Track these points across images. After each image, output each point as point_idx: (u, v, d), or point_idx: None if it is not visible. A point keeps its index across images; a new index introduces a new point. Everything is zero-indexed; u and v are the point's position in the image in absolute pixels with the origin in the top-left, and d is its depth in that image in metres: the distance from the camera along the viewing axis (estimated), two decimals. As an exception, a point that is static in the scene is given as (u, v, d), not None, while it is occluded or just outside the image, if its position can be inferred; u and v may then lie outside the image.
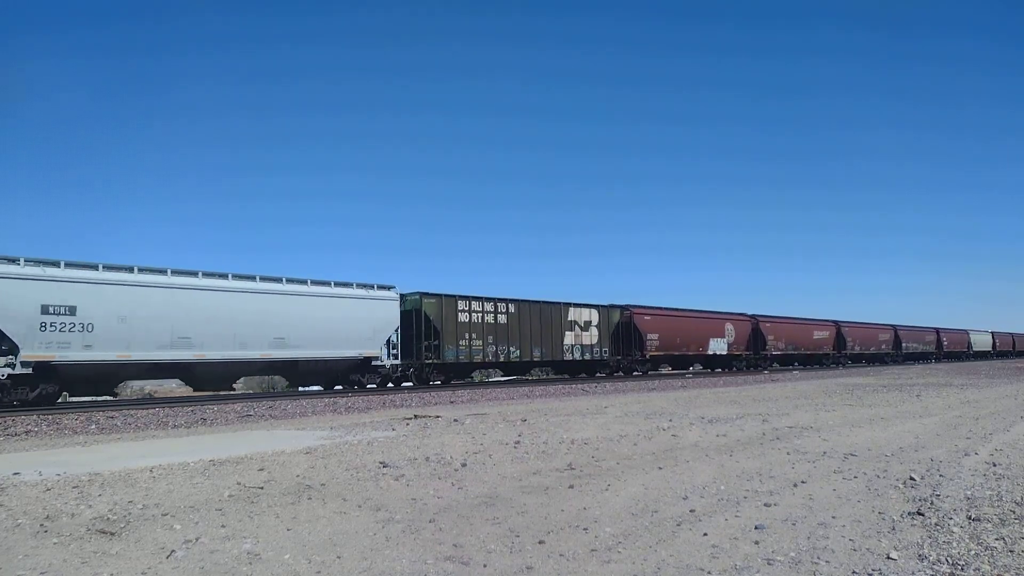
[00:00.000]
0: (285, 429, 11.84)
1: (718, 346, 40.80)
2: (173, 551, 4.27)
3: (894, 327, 58.75)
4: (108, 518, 5.11)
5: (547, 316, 30.63)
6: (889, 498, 5.62)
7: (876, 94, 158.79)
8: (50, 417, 14.50)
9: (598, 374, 33.70)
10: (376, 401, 18.82)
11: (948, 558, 4.01)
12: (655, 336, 35.30)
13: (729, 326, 40.80)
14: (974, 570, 3.81)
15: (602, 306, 33.73)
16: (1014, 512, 5.05)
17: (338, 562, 4.07)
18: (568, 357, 31.42)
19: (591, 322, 32.81)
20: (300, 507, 5.45)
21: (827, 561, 3.99)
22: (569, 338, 31.53)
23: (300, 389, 25.55)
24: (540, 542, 4.44)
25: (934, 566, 3.88)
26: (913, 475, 6.49)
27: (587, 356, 32.38)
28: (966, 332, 72.41)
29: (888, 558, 4.03)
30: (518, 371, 33.22)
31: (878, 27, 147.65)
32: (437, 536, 4.61)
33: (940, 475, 6.54)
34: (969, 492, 5.77)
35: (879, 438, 9.32)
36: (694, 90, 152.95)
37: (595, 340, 32.86)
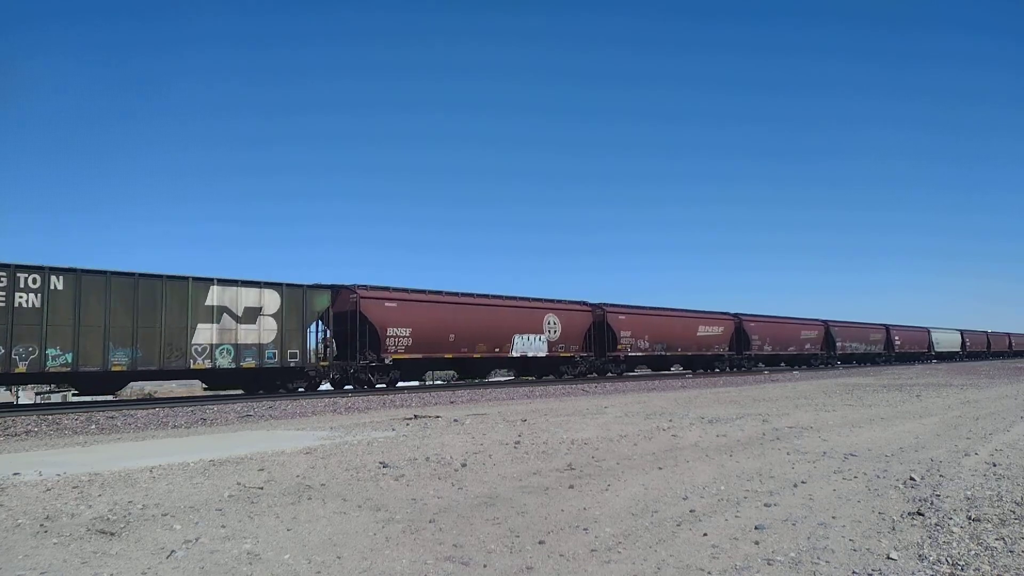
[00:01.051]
0: (285, 429, 11.83)
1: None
2: (173, 551, 4.27)
3: (825, 323, 51.10)
4: (108, 518, 5.10)
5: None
6: (889, 498, 5.62)
7: (874, 93, 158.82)
8: (50, 417, 14.49)
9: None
10: (376, 401, 18.81)
11: (948, 558, 4.01)
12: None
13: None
14: (974, 570, 3.81)
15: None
16: (1014, 512, 5.05)
17: (338, 562, 4.07)
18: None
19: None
20: (300, 507, 5.45)
21: (827, 561, 3.99)
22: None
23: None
24: (540, 542, 4.44)
25: (934, 566, 3.88)
26: (913, 475, 6.49)
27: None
28: (926, 330, 64.83)
29: (888, 558, 4.03)
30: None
31: (877, 25, 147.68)
32: (437, 536, 4.61)
33: (940, 475, 6.54)
34: (969, 492, 5.77)
35: (879, 438, 9.31)
36: (687, 88, 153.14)
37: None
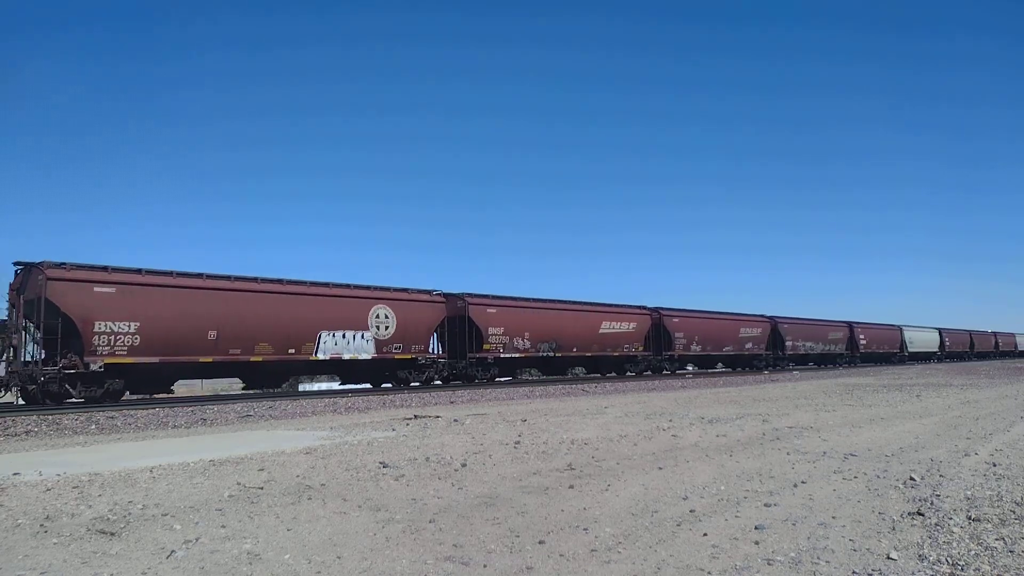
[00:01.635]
0: (285, 429, 11.84)
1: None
2: (173, 551, 4.27)
3: (772, 319, 46.88)
4: (108, 518, 5.10)
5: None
6: (889, 498, 5.62)
7: (880, 95, 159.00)
8: (50, 417, 14.49)
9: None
10: (376, 401, 18.82)
11: (948, 558, 4.01)
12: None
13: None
14: (974, 570, 3.81)
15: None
16: (1014, 512, 5.05)
17: (338, 562, 4.07)
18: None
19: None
20: (300, 507, 5.45)
21: (827, 561, 3.99)
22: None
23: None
24: (540, 542, 4.44)
25: (934, 566, 3.88)
26: (913, 475, 6.49)
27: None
28: (898, 328, 61.61)
29: (888, 558, 4.03)
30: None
31: (900, 28, 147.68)
32: (437, 536, 4.61)
33: (940, 475, 6.53)
34: (969, 492, 5.77)
35: (879, 438, 9.31)
36: (686, 89, 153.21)
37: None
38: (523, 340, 30.21)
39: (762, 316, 46.31)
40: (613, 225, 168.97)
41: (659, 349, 37.63)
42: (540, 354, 31.19)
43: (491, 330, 28.84)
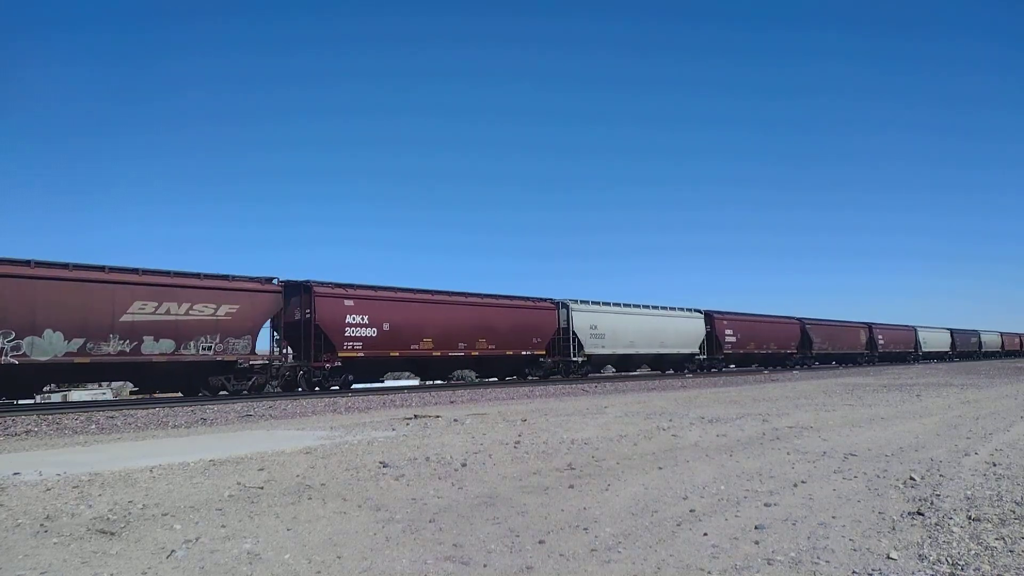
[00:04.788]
0: (285, 429, 11.83)
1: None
2: (173, 551, 4.27)
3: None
4: (108, 518, 5.10)
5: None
6: (889, 498, 5.62)
7: (878, 96, 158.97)
8: (50, 417, 14.49)
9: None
10: (376, 401, 18.81)
11: (948, 558, 4.01)
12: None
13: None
14: (974, 570, 3.81)
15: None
16: (1014, 512, 5.05)
17: (338, 562, 4.07)
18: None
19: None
20: (300, 507, 5.45)
21: (827, 561, 3.99)
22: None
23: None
24: (540, 542, 4.44)
25: (934, 566, 3.88)
26: (913, 475, 6.49)
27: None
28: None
29: (888, 558, 4.03)
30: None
31: (898, 30, 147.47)
32: (437, 536, 4.60)
33: (940, 475, 6.53)
34: (969, 492, 5.77)
35: (879, 438, 9.31)
36: (684, 90, 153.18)
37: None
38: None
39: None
40: (611, 226, 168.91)
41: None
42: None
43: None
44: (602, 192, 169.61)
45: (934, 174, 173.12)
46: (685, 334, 38.72)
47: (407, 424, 12.05)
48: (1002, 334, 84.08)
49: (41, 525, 4.93)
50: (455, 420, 12.46)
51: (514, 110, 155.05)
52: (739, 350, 42.48)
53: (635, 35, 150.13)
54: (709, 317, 40.86)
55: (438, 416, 13.50)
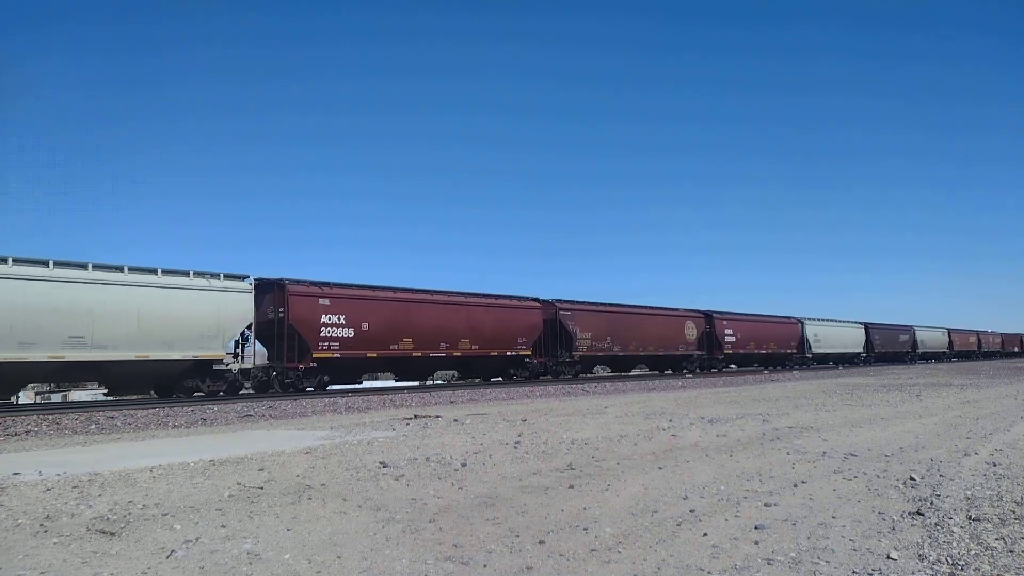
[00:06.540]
0: (285, 429, 11.84)
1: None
2: (173, 551, 4.27)
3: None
4: (108, 518, 5.11)
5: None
6: (889, 498, 5.62)
7: (877, 94, 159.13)
8: (50, 417, 14.49)
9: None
10: (376, 401, 18.82)
11: (948, 558, 4.01)
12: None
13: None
14: (974, 570, 3.81)
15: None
16: (1014, 512, 5.05)
17: (338, 562, 4.07)
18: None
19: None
20: (300, 507, 5.45)
21: (827, 561, 3.99)
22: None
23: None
24: (540, 542, 4.44)
25: (934, 566, 3.88)
26: (913, 475, 6.49)
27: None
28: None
29: (888, 558, 4.03)
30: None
31: (897, 27, 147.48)
32: (437, 536, 4.61)
33: (940, 475, 6.54)
34: (969, 492, 5.77)
35: (879, 438, 9.31)
36: (682, 90, 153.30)
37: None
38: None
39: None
40: (610, 225, 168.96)
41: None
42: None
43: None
44: (600, 190, 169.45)
45: (934, 174, 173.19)
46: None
47: (407, 424, 12.06)
48: (949, 331, 70.63)
49: (41, 525, 4.93)
50: (455, 420, 12.46)
51: (511, 107, 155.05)
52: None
53: (633, 32, 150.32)
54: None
55: (438, 416, 13.50)
